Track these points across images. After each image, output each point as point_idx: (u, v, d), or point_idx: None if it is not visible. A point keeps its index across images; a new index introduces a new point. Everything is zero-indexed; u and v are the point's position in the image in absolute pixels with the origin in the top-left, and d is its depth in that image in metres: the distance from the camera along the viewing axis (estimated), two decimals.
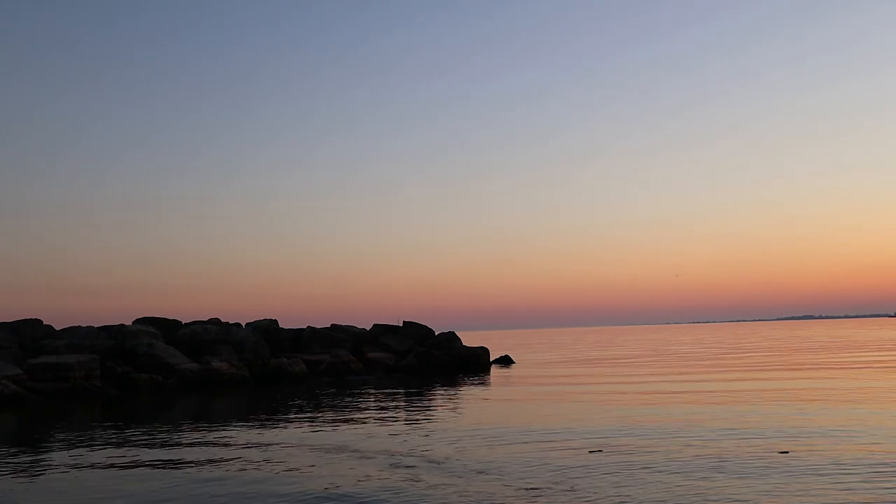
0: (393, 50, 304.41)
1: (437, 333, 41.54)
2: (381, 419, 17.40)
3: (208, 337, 32.91)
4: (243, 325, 36.28)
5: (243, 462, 12.00)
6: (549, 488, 9.30)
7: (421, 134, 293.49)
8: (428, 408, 19.74)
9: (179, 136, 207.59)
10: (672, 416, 16.00)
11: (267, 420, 17.81)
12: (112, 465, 12.01)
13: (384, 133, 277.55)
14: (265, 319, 37.56)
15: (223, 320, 35.46)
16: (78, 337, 30.31)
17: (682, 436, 13.18)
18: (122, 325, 31.27)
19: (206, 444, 14.13)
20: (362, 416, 18.24)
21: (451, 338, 41.06)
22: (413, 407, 20.09)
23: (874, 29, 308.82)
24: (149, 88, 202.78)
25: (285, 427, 16.35)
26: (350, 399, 22.91)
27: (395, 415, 18.27)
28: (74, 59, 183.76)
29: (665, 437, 13.14)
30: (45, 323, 31.19)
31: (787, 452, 11.14)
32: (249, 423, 17.17)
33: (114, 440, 15.02)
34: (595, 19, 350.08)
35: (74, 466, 12.02)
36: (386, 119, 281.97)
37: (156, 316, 34.00)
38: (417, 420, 17.02)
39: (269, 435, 15.15)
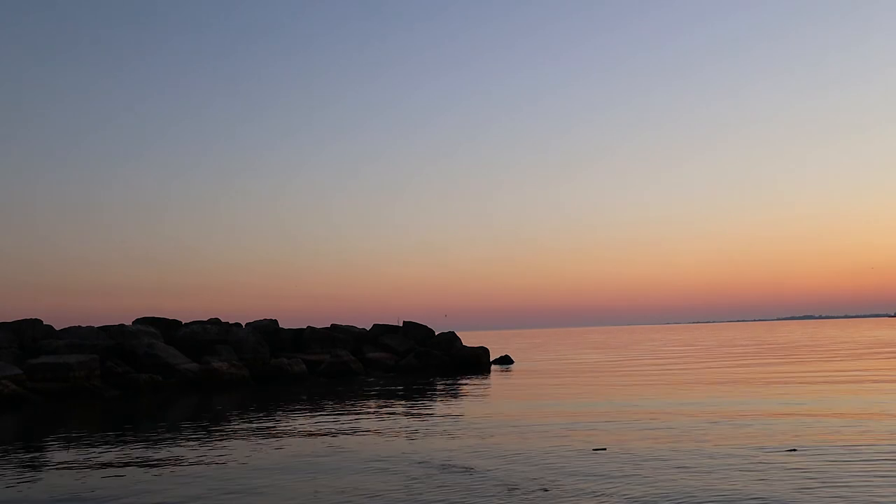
0: (399, 49, 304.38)
1: (437, 333, 41.50)
2: (381, 419, 17.35)
3: (208, 337, 32.85)
4: (243, 325, 36.22)
5: (244, 462, 11.94)
6: (550, 488, 9.25)
7: (426, 134, 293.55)
8: (428, 408, 19.69)
9: (184, 136, 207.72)
10: (676, 415, 15.94)
11: (267, 420, 17.75)
12: (112, 466, 11.94)
13: (389, 133, 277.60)
14: (265, 319, 37.51)
15: (223, 320, 35.41)
16: (78, 337, 30.24)
17: (687, 435, 13.13)
18: (122, 325, 31.19)
19: (207, 444, 14.07)
20: (362, 416, 18.18)
21: (451, 338, 41.02)
22: (413, 407, 20.03)
23: (877, 30, 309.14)
24: (153, 88, 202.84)
25: (285, 427, 16.29)
26: (350, 399, 22.85)
27: (394, 415, 18.21)
28: (79, 59, 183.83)
29: (669, 435, 13.08)
30: (45, 323, 31.10)
31: (794, 450, 11.09)
32: (249, 423, 17.11)
33: (114, 440, 14.95)
34: (600, 20, 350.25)
35: (75, 467, 11.96)
36: (391, 119, 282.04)
37: (156, 316, 33.95)
38: (417, 420, 16.97)
39: (269, 435, 15.09)
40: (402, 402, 21.27)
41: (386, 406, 20.34)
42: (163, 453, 12.97)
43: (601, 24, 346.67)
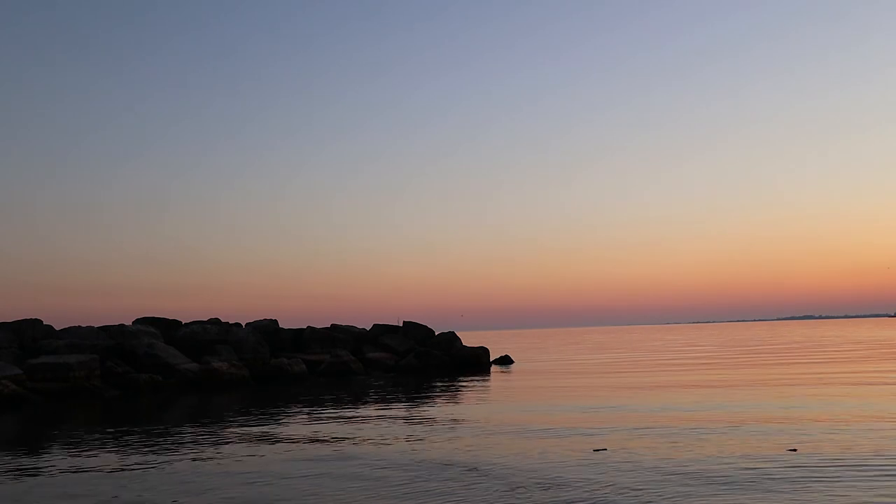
0: (399, 49, 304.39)
1: (437, 333, 41.49)
2: (381, 420, 17.33)
3: (208, 337, 32.84)
4: (243, 325, 36.21)
5: (243, 464, 11.93)
6: (551, 488, 9.23)
7: (426, 134, 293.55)
8: (428, 408, 19.68)
9: (185, 136, 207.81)
10: (679, 415, 15.93)
11: (267, 421, 17.74)
12: (112, 466, 11.93)
13: (389, 133, 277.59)
14: (265, 319, 37.50)
15: (223, 320, 35.40)
16: (78, 337, 30.22)
17: (688, 436, 13.12)
18: (122, 325, 31.18)
19: (206, 445, 14.06)
20: (362, 416, 18.17)
21: (451, 338, 41.01)
22: (413, 407, 20.02)
23: (877, 30, 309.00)
24: (155, 88, 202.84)
25: (285, 428, 16.28)
26: (350, 400, 22.84)
27: (394, 415, 18.20)
28: (79, 59, 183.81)
29: (670, 436, 13.07)
30: (45, 323, 31.09)
31: (794, 450, 11.09)
32: (249, 425, 17.10)
33: (114, 440, 14.95)
34: (600, 20, 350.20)
35: (75, 467, 11.95)
36: (391, 119, 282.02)
37: (156, 316, 33.94)
38: (417, 420, 16.95)
39: (269, 436, 15.08)
40: (402, 403, 21.26)
41: (386, 406, 20.33)
42: (162, 454, 12.95)
43: (601, 24, 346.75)
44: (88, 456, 12.95)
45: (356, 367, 35.19)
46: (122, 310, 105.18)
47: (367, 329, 41.02)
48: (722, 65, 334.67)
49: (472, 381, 29.67)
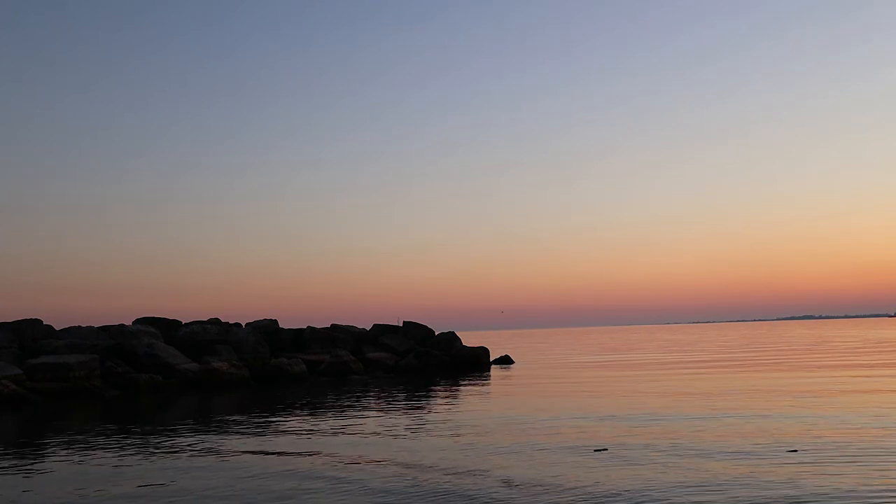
0: (399, 50, 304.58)
1: (437, 333, 41.48)
2: (382, 420, 17.33)
3: (208, 337, 32.83)
4: (243, 325, 36.20)
5: (242, 463, 11.92)
6: (551, 488, 9.22)
7: (426, 134, 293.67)
8: (428, 408, 19.67)
9: (184, 136, 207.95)
10: (679, 416, 15.92)
11: (267, 421, 17.73)
12: (112, 466, 11.93)
13: (389, 133, 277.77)
14: (265, 319, 37.48)
15: (223, 320, 35.39)
16: (78, 337, 30.21)
17: (688, 437, 13.11)
18: (122, 325, 31.17)
19: (206, 444, 14.05)
20: (363, 417, 18.17)
21: (451, 338, 40.99)
22: (414, 408, 20.01)
23: (877, 30, 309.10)
24: (156, 88, 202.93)
25: (286, 428, 16.27)
26: (350, 400, 22.83)
27: (395, 416, 18.19)
28: (79, 59, 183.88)
29: (671, 437, 13.06)
30: (45, 323, 31.09)
31: (795, 451, 11.08)
32: (249, 424, 17.09)
33: (114, 441, 14.94)
34: (600, 20, 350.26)
35: (74, 467, 11.94)
36: (391, 119, 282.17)
37: (156, 316, 33.93)
38: (418, 421, 16.95)
39: (268, 436, 15.08)
40: (402, 403, 21.25)
41: (386, 406, 20.32)
42: (161, 455, 12.94)
43: (601, 24, 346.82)
44: (88, 456, 12.94)
45: (356, 367, 35.18)
46: (122, 310, 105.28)
47: (367, 329, 41.01)
48: (722, 65, 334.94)
49: (472, 381, 29.67)
